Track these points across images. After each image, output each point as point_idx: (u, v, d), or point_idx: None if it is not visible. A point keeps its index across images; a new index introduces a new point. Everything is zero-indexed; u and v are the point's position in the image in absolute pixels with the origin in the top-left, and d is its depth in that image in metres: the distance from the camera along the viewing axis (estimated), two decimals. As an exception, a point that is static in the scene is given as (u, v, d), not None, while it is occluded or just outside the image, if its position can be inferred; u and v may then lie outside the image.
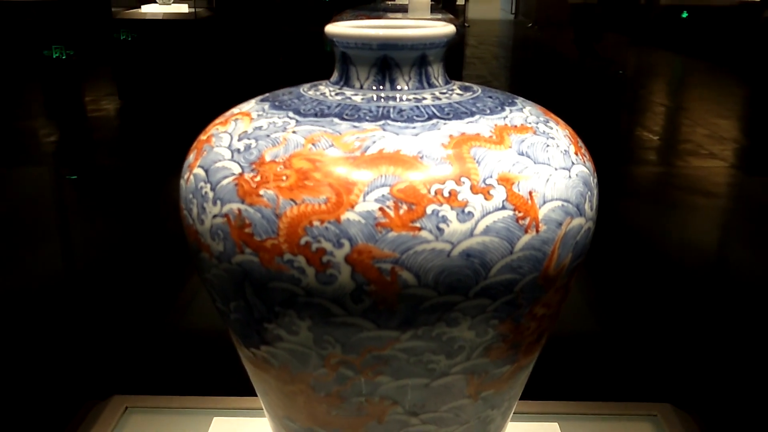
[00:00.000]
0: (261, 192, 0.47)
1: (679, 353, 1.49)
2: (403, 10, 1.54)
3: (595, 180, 0.55)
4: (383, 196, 0.45)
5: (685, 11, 1.80)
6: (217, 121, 0.57)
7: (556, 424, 0.96)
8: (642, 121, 2.00)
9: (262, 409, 0.73)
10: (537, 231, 0.48)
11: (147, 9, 1.88)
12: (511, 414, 0.61)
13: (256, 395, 0.62)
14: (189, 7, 1.87)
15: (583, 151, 0.55)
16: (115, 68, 1.78)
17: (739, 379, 1.39)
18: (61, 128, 1.76)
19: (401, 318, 0.47)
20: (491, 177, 0.47)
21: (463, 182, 0.46)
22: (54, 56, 1.57)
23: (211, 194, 0.50)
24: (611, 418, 1.25)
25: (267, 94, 0.59)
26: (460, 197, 0.46)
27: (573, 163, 0.52)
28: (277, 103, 0.55)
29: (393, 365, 0.50)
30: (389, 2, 1.71)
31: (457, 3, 1.93)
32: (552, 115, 0.57)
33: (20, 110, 1.72)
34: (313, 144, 0.48)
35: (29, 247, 1.53)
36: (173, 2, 1.91)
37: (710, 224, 1.62)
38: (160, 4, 1.89)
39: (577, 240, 0.51)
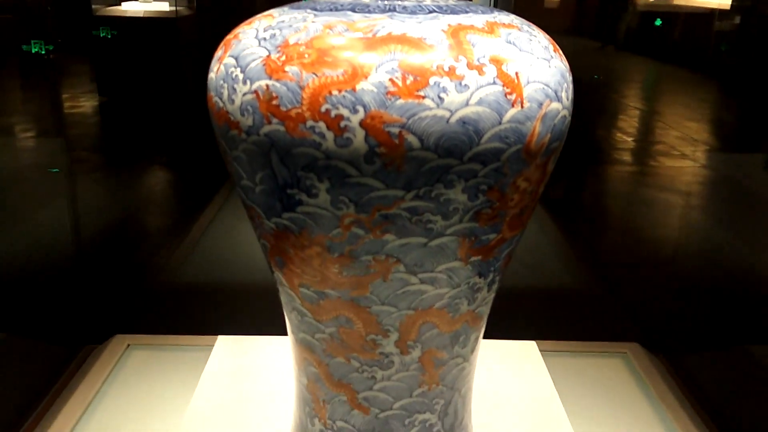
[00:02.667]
0: (286, 68, 0.55)
1: (646, 305, 1.60)
2: None
3: (570, 77, 0.64)
4: (392, 68, 0.53)
5: (658, 19, 1.85)
6: (242, 24, 0.64)
7: (533, 342, 1.04)
8: (617, 124, 2.07)
9: (260, 336, 0.82)
10: (522, 106, 0.56)
11: (127, 6, 1.85)
12: (494, 291, 0.70)
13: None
14: (170, 5, 1.86)
15: (560, 52, 0.64)
16: (96, 65, 1.78)
17: (698, 324, 1.50)
18: (39, 123, 1.78)
19: (406, 178, 0.55)
20: (484, 57, 0.55)
21: (460, 60, 0.54)
22: (33, 51, 1.56)
23: (241, 76, 0.58)
24: (588, 355, 1.36)
25: (284, 6, 0.67)
26: (458, 72, 0.54)
27: (552, 57, 0.61)
28: (295, 7, 0.63)
29: (397, 224, 0.58)
30: None
31: None
32: (535, 25, 0.66)
33: None
34: (331, 29, 0.56)
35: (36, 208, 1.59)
36: (154, 0, 1.89)
37: (678, 218, 1.72)
38: (140, 2, 1.87)
39: (555, 123, 0.60)
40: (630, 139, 2.01)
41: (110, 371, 1.26)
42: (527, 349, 1.01)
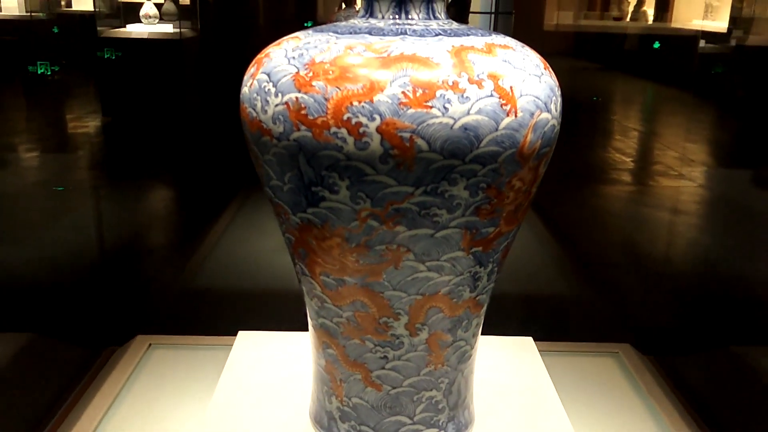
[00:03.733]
0: (313, 83, 0.64)
1: (638, 309, 1.68)
2: None
3: (559, 91, 0.73)
4: (404, 83, 0.62)
5: (657, 41, 1.90)
6: (271, 45, 0.74)
7: (530, 338, 1.12)
8: (615, 145, 2.13)
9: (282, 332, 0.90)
10: (515, 116, 0.65)
11: (132, 28, 1.88)
12: (493, 281, 0.78)
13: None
14: (174, 27, 1.88)
15: (550, 69, 0.73)
16: (100, 85, 1.79)
17: (687, 327, 1.58)
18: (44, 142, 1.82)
19: (415, 177, 0.64)
20: (483, 74, 0.64)
21: (463, 76, 0.63)
22: (39, 72, 1.60)
23: (273, 89, 0.67)
24: (582, 355, 1.44)
25: (308, 29, 0.76)
26: (460, 86, 0.63)
27: (542, 74, 0.70)
28: (318, 30, 0.72)
29: (408, 217, 0.67)
30: None
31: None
32: (528, 46, 0.75)
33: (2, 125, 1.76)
34: (351, 49, 0.65)
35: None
36: (158, 22, 1.91)
37: (671, 231, 1.79)
38: (145, 24, 1.89)
39: (545, 130, 0.69)
40: (629, 159, 2.08)
41: (133, 369, 1.34)
42: (524, 344, 1.09)
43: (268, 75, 0.68)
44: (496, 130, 0.64)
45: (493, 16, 2.22)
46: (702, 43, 1.82)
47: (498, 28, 2.23)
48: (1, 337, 1.38)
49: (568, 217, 1.99)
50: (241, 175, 1.85)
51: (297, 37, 0.72)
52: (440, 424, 0.82)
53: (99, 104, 1.80)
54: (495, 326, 1.08)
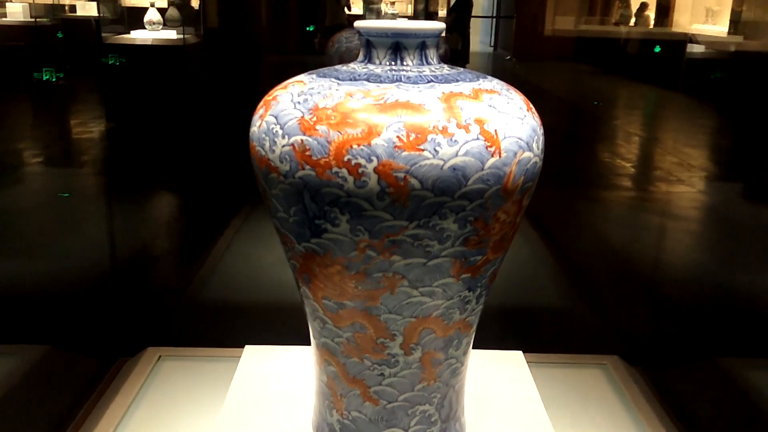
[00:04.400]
0: (317, 127, 0.71)
1: (626, 321, 1.74)
2: None
3: (541, 130, 0.79)
4: (399, 128, 0.69)
5: (657, 46, 1.88)
6: (278, 87, 0.80)
7: (520, 352, 1.19)
8: (616, 150, 2.16)
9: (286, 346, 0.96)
10: (500, 156, 0.72)
11: (136, 34, 1.91)
12: (482, 303, 0.85)
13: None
14: (177, 33, 1.90)
15: (533, 110, 0.80)
16: (104, 91, 1.81)
17: (674, 340, 1.64)
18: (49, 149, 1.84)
19: (409, 212, 0.71)
20: (470, 118, 0.71)
21: (451, 121, 0.70)
22: (44, 78, 1.65)
23: (280, 131, 0.73)
24: (570, 366, 1.50)
25: (311, 71, 0.83)
26: (449, 130, 0.70)
27: (525, 116, 0.76)
28: (321, 75, 0.79)
29: (403, 248, 0.73)
30: None
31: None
32: (512, 87, 0.82)
33: (7, 131, 1.75)
34: (351, 96, 0.72)
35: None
36: (162, 29, 1.94)
37: (661, 240, 1.84)
38: (149, 30, 1.92)
39: (527, 168, 0.75)
40: (628, 164, 2.12)
41: (144, 380, 1.40)
42: (514, 358, 1.15)
43: (276, 117, 0.75)
44: (482, 169, 0.71)
45: (494, 20, 2.26)
46: (702, 48, 1.86)
47: (499, 36, 2.26)
48: (17, 349, 1.45)
49: (560, 226, 2.05)
50: (246, 185, 1.91)
51: (302, 81, 0.79)
52: (433, 435, 0.88)
53: (103, 110, 1.85)
54: (485, 338, 1.15)
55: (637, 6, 1.98)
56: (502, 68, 2.20)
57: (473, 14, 2.04)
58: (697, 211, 1.90)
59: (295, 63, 1.94)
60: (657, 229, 1.86)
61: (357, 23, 0.80)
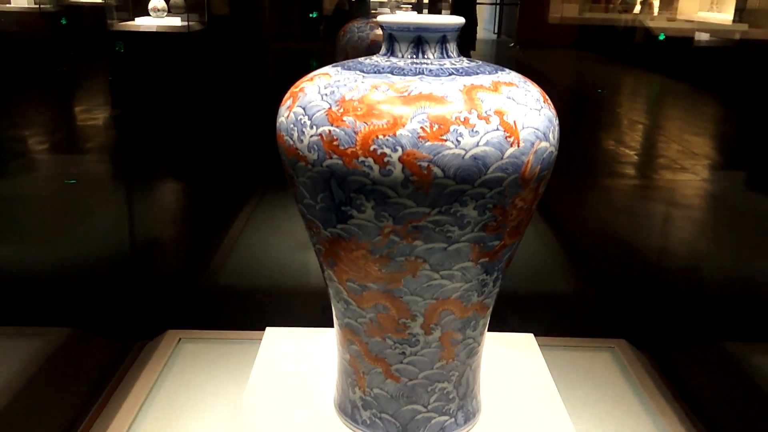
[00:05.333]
0: (344, 118, 0.74)
1: (634, 305, 1.78)
2: None
3: (557, 121, 0.83)
4: (423, 119, 0.73)
5: (662, 33, 1.87)
6: (304, 79, 0.84)
7: (531, 335, 1.23)
8: (619, 138, 2.17)
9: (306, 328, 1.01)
10: (518, 146, 0.75)
11: (141, 21, 1.90)
12: (498, 287, 0.89)
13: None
14: (182, 20, 1.89)
15: (549, 102, 0.83)
16: (110, 78, 1.80)
17: (680, 324, 1.68)
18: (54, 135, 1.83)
19: (432, 199, 0.74)
20: (490, 110, 0.75)
21: (473, 112, 0.74)
22: (51, 64, 1.64)
23: (308, 122, 0.77)
24: (579, 349, 1.55)
25: (335, 64, 0.86)
26: (470, 121, 0.73)
27: (542, 107, 0.80)
28: (346, 67, 0.83)
29: (424, 233, 0.77)
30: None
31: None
32: (528, 79, 0.85)
33: (14, 118, 1.75)
34: (376, 88, 0.76)
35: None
36: (166, 15, 1.94)
37: (669, 227, 1.86)
38: (153, 17, 1.92)
39: (543, 157, 0.79)
40: (632, 152, 2.13)
41: (166, 362, 1.45)
42: (526, 340, 1.19)
43: (304, 109, 0.78)
44: (501, 158, 0.74)
45: (497, 6, 2.26)
46: (706, 36, 1.86)
47: (503, 23, 2.26)
48: (43, 331, 1.49)
49: (567, 214, 2.07)
50: (256, 170, 1.93)
51: (327, 74, 0.82)
52: (451, 412, 0.92)
53: (109, 96, 1.84)
54: (498, 322, 1.19)
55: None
56: (506, 55, 2.19)
57: (478, 1, 2.04)
58: (700, 199, 1.93)
59: (298, 50, 1.94)
60: (662, 217, 1.89)
61: (380, 18, 0.83)
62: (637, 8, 1.99)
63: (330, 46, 1.69)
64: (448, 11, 1.99)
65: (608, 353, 1.53)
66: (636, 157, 2.12)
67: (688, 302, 1.70)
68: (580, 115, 2.11)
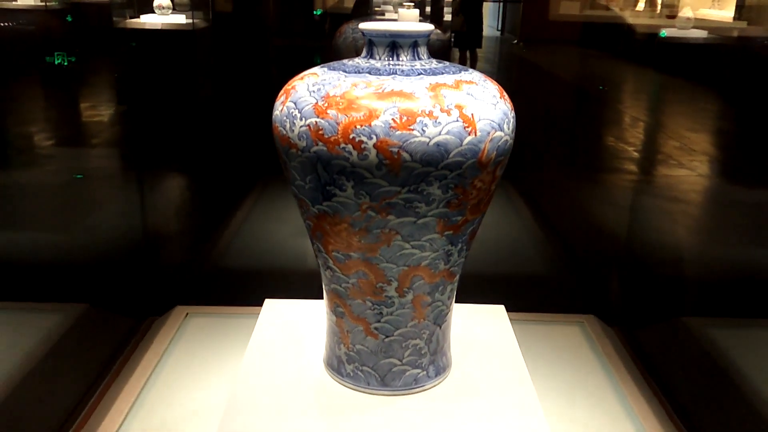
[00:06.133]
0: (328, 111, 0.88)
1: (603, 284, 1.91)
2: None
3: (512, 114, 0.97)
4: (394, 112, 0.86)
5: (663, 30, 1.89)
6: (296, 78, 0.98)
7: (502, 306, 1.36)
8: (618, 133, 2.20)
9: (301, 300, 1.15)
10: (475, 135, 0.89)
11: (146, 19, 1.92)
12: (463, 257, 1.03)
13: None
14: (187, 18, 1.93)
15: (506, 97, 0.97)
16: (116, 75, 1.83)
17: (646, 302, 1.81)
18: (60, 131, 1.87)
19: (402, 180, 0.88)
20: (451, 105, 0.88)
21: (436, 106, 0.88)
22: (56, 62, 1.68)
23: (298, 115, 0.91)
24: (549, 324, 1.67)
25: (323, 65, 1.00)
26: (434, 114, 0.87)
27: (497, 102, 0.94)
28: (331, 68, 0.97)
29: (397, 209, 0.91)
30: (381, 17, 1.96)
31: (445, 19, 2.15)
32: (489, 78, 0.99)
33: (21, 114, 1.79)
34: (356, 86, 0.90)
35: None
36: (171, 13, 1.96)
37: (672, 223, 1.95)
38: (158, 15, 1.94)
39: (499, 144, 0.93)
40: (631, 148, 2.23)
41: (174, 335, 1.59)
42: (496, 311, 1.33)
43: (295, 103, 0.92)
44: (461, 145, 0.88)
45: (501, 4, 2.34)
46: (705, 33, 1.88)
47: (506, 19, 2.31)
48: (60, 307, 1.63)
49: (552, 203, 2.19)
50: (257, 163, 2.06)
51: (315, 73, 0.96)
52: (423, 365, 1.07)
53: (114, 93, 1.90)
54: (473, 299, 1.32)
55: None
56: (510, 52, 2.26)
57: (482, -2, 2.10)
58: (686, 193, 2.01)
59: (301, 47, 2.01)
60: (653, 210, 1.97)
61: (361, 25, 0.97)
62: (640, 6, 2.04)
63: (331, 43, 1.78)
64: (451, 9, 2.07)
65: (577, 327, 1.67)
66: (624, 151, 2.19)
67: (657, 281, 1.83)
68: (581, 110, 2.18)
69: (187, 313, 1.66)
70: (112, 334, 1.63)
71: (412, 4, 2.09)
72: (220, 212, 2.08)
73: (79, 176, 1.87)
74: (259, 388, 1.09)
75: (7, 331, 1.50)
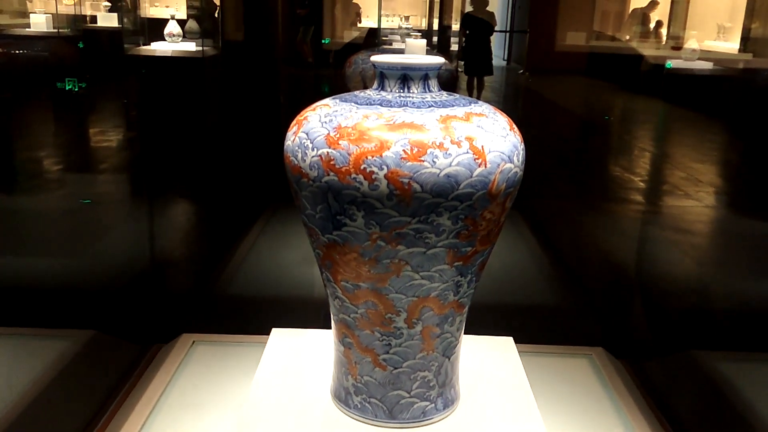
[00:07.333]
0: (340, 142, 0.89)
1: (611, 313, 1.90)
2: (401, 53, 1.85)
3: (522, 146, 0.97)
4: (405, 143, 0.87)
5: (669, 62, 1.91)
6: (308, 109, 0.99)
7: (510, 338, 1.36)
8: (625, 164, 2.22)
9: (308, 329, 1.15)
10: (485, 166, 0.90)
11: (157, 46, 1.97)
12: (472, 288, 1.03)
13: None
14: (196, 45, 1.97)
15: (515, 129, 0.98)
16: (125, 101, 1.86)
17: (655, 335, 1.80)
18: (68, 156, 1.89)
19: (412, 210, 0.89)
20: (462, 136, 0.89)
21: (447, 138, 0.88)
22: (67, 88, 1.70)
23: (310, 145, 0.92)
24: (557, 356, 1.67)
25: (335, 96, 1.01)
26: (444, 146, 0.88)
27: (507, 134, 0.95)
28: (343, 99, 0.98)
29: (407, 239, 0.91)
30: (389, 47, 2.00)
31: (451, 49, 2.18)
32: (498, 110, 1.00)
33: (31, 139, 1.80)
34: (367, 118, 0.91)
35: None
36: (181, 41, 2.01)
37: (680, 255, 1.95)
38: (168, 42, 1.99)
39: (509, 176, 0.93)
40: (637, 179, 2.24)
41: (180, 362, 1.59)
42: (504, 343, 1.33)
43: (307, 134, 0.93)
44: (471, 177, 0.89)
45: (508, 34, 2.38)
46: (710, 65, 1.91)
47: (512, 50, 2.35)
48: (67, 333, 1.63)
49: (561, 233, 2.19)
50: (265, 191, 2.07)
51: (327, 105, 0.97)
52: (431, 398, 1.06)
53: (124, 119, 1.94)
54: (481, 330, 1.32)
55: (650, 22, 2.06)
56: (515, 82, 2.28)
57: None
58: (693, 224, 2.01)
59: (309, 76, 2.04)
60: (660, 241, 1.98)
61: (373, 58, 0.98)
62: (645, 36, 2.04)
63: (341, 73, 1.81)
64: (458, 40, 2.09)
65: (585, 360, 1.65)
66: (631, 182, 2.20)
67: (665, 314, 1.82)
68: (586, 140, 2.19)
69: (194, 341, 1.66)
70: (118, 360, 1.63)
71: (420, 34, 2.12)
72: (227, 239, 2.09)
73: (86, 201, 1.88)
74: (265, 418, 1.08)
75: (14, 357, 1.50)
